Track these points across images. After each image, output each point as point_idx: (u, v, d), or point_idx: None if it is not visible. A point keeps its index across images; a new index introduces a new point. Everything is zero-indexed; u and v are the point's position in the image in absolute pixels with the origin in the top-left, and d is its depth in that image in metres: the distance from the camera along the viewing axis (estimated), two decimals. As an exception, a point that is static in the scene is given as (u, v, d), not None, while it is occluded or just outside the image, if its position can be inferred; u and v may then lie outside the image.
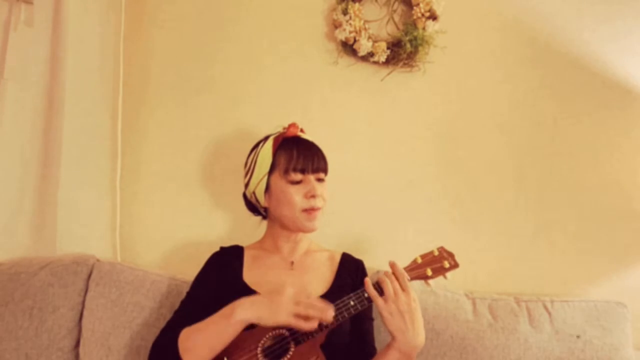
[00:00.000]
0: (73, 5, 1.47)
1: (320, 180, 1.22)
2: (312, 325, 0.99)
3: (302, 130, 1.28)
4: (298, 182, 1.19)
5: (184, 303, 1.20)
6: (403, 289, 1.03)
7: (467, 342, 1.32)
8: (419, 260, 1.12)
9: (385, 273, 1.06)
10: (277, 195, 1.20)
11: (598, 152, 1.53)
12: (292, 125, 1.25)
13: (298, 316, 0.98)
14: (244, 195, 1.32)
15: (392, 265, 1.07)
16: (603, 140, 1.53)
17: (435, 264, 1.11)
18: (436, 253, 1.13)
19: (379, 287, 1.04)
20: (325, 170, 1.23)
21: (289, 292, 1.00)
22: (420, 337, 1.02)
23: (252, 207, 1.33)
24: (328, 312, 0.98)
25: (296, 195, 1.18)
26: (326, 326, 1.03)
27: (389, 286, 1.02)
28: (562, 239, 1.52)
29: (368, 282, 1.05)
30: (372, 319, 1.24)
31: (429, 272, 1.10)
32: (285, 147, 1.20)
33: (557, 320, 1.35)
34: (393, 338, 1.02)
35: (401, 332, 1.01)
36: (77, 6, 1.48)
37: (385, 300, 1.02)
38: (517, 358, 1.30)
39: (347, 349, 1.15)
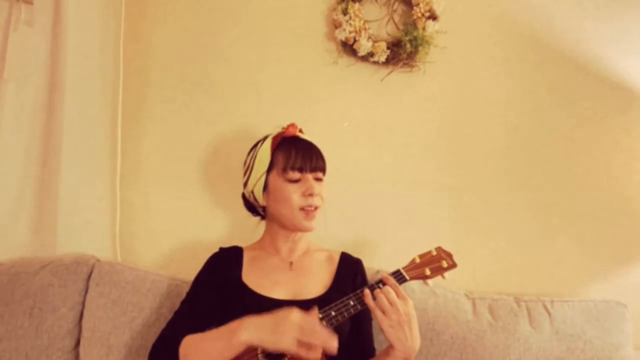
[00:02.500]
0: (73, 5, 1.47)
1: (318, 179, 1.22)
2: (315, 355, 0.95)
3: (301, 131, 1.28)
4: (296, 181, 1.19)
5: (183, 304, 1.20)
6: (400, 297, 1.03)
7: (467, 342, 1.32)
8: (418, 260, 1.13)
9: (381, 289, 1.05)
10: (275, 194, 1.20)
11: (598, 151, 1.52)
12: (291, 125, 1.25)
13: (301, 343, 0.95)
14: (243, 195, 1.32)
15: (386, 279, 1.07)
16: (603, 140, 1.52)
17: (434, 263, 1.13)
18: (434, 253, 1.15)
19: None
20: (323, 170, 1.23)
21: (295, 316, 0.96)
22: (417, 341, 1.04)
23: (251, 207, 1.33)
24: (332, 342, 0.94)
25: (294, 194, 1.18)
26: (326, 325, 1.03)
27: (383, 299, 1.02)
28: (562, 238, 1.52)
29: (368, 293, 1.05)
30: (371, 319, 1.23)
31: (428, 272, 1.11)
32: (284, 146, 1.21)
33: (557, 320, 1.35)
34: (392, 347, 1.03)
35: (401, 342, 1.02)
36: (77, 6, 1.48)
37: (385, 313, 1.02)
38: (517, 358, 1.30)
39: (346, 349, 1.15)
